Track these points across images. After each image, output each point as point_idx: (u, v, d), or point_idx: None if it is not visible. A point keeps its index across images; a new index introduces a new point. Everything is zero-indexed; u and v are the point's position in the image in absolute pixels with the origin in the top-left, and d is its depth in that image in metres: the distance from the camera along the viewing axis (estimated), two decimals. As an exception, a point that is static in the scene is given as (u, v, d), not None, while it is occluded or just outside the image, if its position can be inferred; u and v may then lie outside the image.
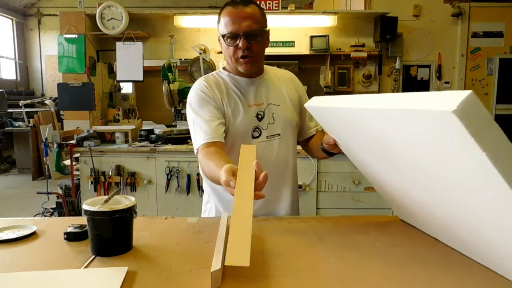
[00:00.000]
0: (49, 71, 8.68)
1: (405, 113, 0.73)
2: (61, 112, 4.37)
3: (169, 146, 3.19)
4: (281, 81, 1.46)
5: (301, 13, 4.14)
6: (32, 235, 1.11)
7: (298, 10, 4.43)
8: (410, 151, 0.82)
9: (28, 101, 5.44)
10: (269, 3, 3.72)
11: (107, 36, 3.81)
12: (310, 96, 1.54)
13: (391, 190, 1.12)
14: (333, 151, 1.31)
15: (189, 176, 3.16)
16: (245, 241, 0.74)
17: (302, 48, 4.00)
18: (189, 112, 1.35)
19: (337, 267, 0.91)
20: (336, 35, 4.00)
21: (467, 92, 0.59)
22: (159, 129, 3.43)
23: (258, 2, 1.70)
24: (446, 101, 0.61)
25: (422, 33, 4.07)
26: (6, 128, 6.81)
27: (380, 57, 4.00)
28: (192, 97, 1.36)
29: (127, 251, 0.99)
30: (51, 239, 1.10)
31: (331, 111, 1.08)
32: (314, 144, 1.46)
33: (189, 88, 1.43)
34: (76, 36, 3.77)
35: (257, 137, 1.37)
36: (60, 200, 3.63)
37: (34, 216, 3.90)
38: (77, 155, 3.27)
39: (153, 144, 3.23)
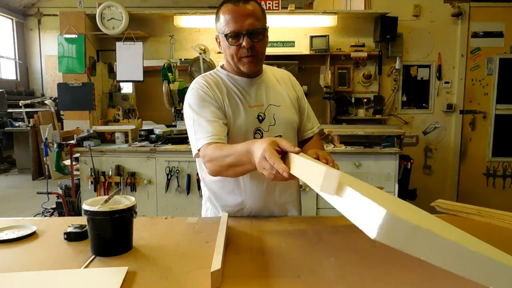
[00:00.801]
0: (49, 71, 8.68)
1: None
2: (61, 112, 4.37)
3: (169, 146, 3.19)
4: (280, 81, 1.43)
5: (301, 13, 4.14)
6: (32, 235, 1.11)
7: (298, 10, 4.43)
8: None
9: (28, 101, 5.44)
10: (269, 3, 3.72)
11: (107, 36, 3.81)
12: (310, 96, 1.54)
13: None
14: None
15: (189, 176, 3.16)
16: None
17: (302, 48, 4.00)
18: (189, 112, 1.29)
19: (337, 267, 0.91)
20: (336, 35, 4.00)
21: (382, 213, 0.60)
22: (159, 129, 3.43)
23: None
24: (368, 224, 0.62)
25: (422, 33, 4.07)
26: (6, 128, 6.81)
27: (380, 57, 4.00)
28: (191, 96, 1.30)
29: (127, 251, 0.99)
30: (51, 239, 1.10)
31: None
32: (307, 151, 1.35)
33: (189, 88, 1.39)
34: (76, 36, 3.76)
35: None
36: (60, 200, 3.62)
37: (34, 216, 3.90)
38: (77, 155, 3.27)
39: (153, 144, 3.23)
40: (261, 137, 1.33)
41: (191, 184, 3.17)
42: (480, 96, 4.17)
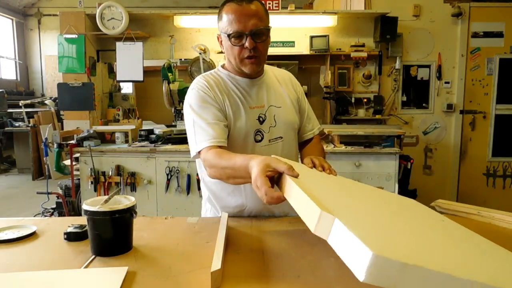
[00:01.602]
0: (49, 71, 8.68)
1: None
2: (61, 112, 4.36)
3: (169, 146, 3.19)
4: (281, 81, 1.42)
5: (301, 13, 4.14)
6: (32, 235, 1.11)
7: (298, 10, 4.43)
8: None
9: (28, 101, 5.42)
10: (269, 3, 3.72)
11: (107, 36, 3.81)
12: (310, 96, 1.53)
13: None
14: None
15: (189, 176, 3.16)
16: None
17: (302, 48, 4.00)
18: (189, 113, 1.27)
19: (337, 267, 0.91)
20: (336, 35, 4.00)
21: (369, 255, 0.60)
22: (159, 129, 3.43)
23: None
24: (356, 265, 0.62)
25: (422, 33, 4.07)
26: (6, 128, 6.81)
27: (380, 57, 4.00)
28: (191, 97, 1.29)
29: (127, 251, 0.99)
30: (51, 239, 1.10)
31: None
32: (306, 155, 1.36)
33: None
34: (76, 36, 3.77)
35: (260, 140, 1.32)
36: (60, 200, 3.62)
37: (34, 216, 3.90)
38: (77, 155, 3.27)
39: (153, 144, 3.23)
40: (262, 138, 1.32)
41: (191, 184, 3.17)
42: (480, 96, 4.17)
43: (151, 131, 3.42)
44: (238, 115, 1.29)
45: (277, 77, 1.43)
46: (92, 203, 0.98)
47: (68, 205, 3.60)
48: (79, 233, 1.07)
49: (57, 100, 4.10)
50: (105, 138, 3.48)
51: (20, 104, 5.22)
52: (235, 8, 1.20)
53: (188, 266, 0.91)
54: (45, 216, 3.84)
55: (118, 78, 3.89)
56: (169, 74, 3.41)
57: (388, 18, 3.83)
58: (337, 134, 3.25)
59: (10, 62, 8.58)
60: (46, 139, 3.35)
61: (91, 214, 0.95)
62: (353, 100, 4.07)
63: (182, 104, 1.39)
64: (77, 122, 3.77)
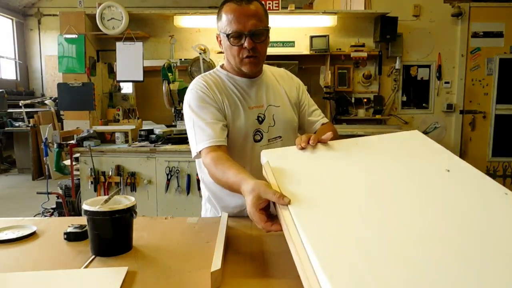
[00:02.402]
0: (49, 71, 8.68)
1: None
2: (61, 112, 4.37)
3: (169, 146, 3.19)
4: (280, 80, 1.42)
5: (301, 13, 4.14)
6: (32, 235, 1.11)
7: (298, 10, 4.43)
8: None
9: (28, 101, 5.44)
10: (269, 3, 3.72)
11: (107, 36, 3.81)
12: (310, 96, 1.53)
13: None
14: None
15: (189, 176, 3.16)
16: None
17: (302, 48, 4.00)
18: (188, 113, 1.27)
19: (337, 267, 0.90)
20: (336, 35, 4.00)
21: None
22: (159, 129, 3.44)
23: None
24: None
25: (422, 33, 4.08)
26: (6, 128, 6.81)
27: (380, 57, 4.00)
28: (191, 97, 1.29)
29: (127, 251, 0.99)
30: (51, 239, 1.10)
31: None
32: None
33: (189, 88, 1.37)
34: (76, 36, 3.77)
35: (259, 140, 1.32)
36: (60, 200, 3.63)
37: (34, 216, 3.90)
38: (77, 155, 3.27)
39: (153, 144, 3.23)
40: (261, 138, 1.32)
41: (191, 184, 3.17)
42: (480, 96, 4.18)
43: (151, 131, 3.43)
44: (237, 115, 1.29)
45: (275, 75, 1.43)
46: (92, 203, 0.98)
47: (68, 205, 3.60)
48: (79, 233, 1.07)
49: (57, 100, 4.10)
50: (105, 138, 3.48)
51: (20, 104, 5.24)
52: (234, 8, 1.20)
53: (188, 266, 0.90)
54: (45, 216, 3.84)
55: (118, 78, 3.89)
56: (169, 74, 3.41)
57: (388, 18, 3.83)
58: (337, 134, 3.25)
59: (10, 62, 8.58)
60: (46, 139, 3.35)
61: (91, 214, 0.95)
62: (353, 100, 4.07)
63: (182, 104, 1.39)
64: (77, 122, 3.77)
